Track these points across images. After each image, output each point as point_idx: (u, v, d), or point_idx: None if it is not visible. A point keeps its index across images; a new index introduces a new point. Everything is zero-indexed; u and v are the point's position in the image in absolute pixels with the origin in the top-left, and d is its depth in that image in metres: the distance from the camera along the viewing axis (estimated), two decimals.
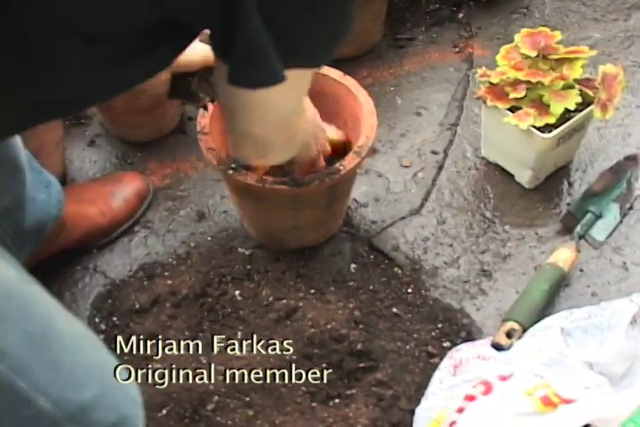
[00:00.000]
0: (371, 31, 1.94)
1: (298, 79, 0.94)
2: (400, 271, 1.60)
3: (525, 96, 1.60)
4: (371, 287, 1.57)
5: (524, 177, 1.71)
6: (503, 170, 1.74)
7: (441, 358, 1.44)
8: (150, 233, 1.65)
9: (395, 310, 1.55)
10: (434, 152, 1.79)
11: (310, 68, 0.94)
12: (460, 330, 1.53)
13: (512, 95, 1.60)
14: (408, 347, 1.49)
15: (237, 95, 0.94)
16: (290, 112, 1.04)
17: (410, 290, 1.58)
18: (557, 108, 1.58)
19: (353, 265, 1.61)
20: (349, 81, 1.54)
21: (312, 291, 1.54)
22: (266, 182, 1.38)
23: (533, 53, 1.62)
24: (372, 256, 1.63)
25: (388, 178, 1.74)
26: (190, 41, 0.91)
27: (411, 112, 1.87)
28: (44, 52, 0.78)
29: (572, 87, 1.61)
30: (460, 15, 2.06)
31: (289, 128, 1.08)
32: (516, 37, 1.65)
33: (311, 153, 1.35)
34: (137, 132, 1.76)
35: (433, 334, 1.52)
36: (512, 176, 1.73)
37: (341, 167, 1.41)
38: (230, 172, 1.38)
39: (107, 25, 0.77)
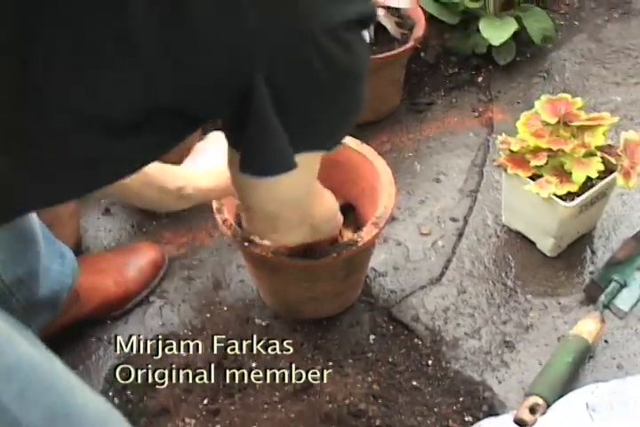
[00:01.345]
0: (389, 96, 1.99)
1: (308, 162, 0.95)
2: (420, 343, 1.62)
3: (547, 164, 1.62)
4: (390, 359, 1.59)
5: (546, 245, 1.73)
6: (524, 238, 1.77)
7: None
8: (165, 303, 1.67)
9: (415, 383, 1.56)
10: (454, 219, 1.82)
11: (321, 151, 0.96)
12: (482, 404, 1.53)
13: (533, 163, 1.62)
14: (429, 422, 1.50)
15: (248, 179, 0.97)
16: (302, 193, 1.06)
17: (430, 362, 1.59)
18: (579, 177, 1.60)
19: (372, 336, 1.63)
20: (366, 149, 1.57)
21: (330, 363, 1.56)
22: (281, 255, 1.40)
23: (554, 120, 1.65)
24: (391, 327, 1.65)
25: (407, 246, 1.77)
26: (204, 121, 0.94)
27: (430, 178, 1.90)
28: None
29: (593, 155, 1.63)
30: (480, 79, 2.10)
31: (303, 208, 1.11)
32: (537, 104, 1.69)
33: (330, 235, 1.38)
34: None
35: (454, 408, 1.53)
36: (534, 244, 1.75)
37: (359, 239, 1.43)
38: (246, 244, 1.41)
39: (108, 110, 0.79)
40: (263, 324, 1.63)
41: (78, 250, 1.71)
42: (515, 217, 1.77)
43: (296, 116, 0.86)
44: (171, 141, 0.87)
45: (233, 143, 0.91)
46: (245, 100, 0.80)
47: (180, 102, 0.79)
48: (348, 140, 1.58)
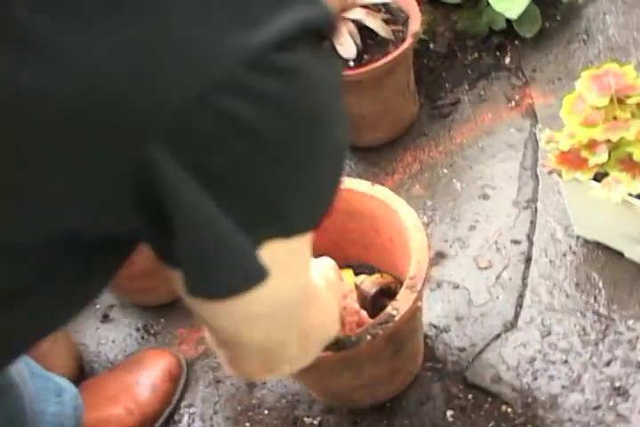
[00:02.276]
0: (402, 107, 1.71)
1: (286, 257, 0.69)
2: (510, 410, 1.34)
3: (610, 158, 1.33)
4: None
5: (636, 252, 1.43)
6: (607, 248, 1.46)
7: None
8: (195, 419, 1.44)
9: None
10: (515, 242, 1.52)
11: (302, 231, 0.69)
12: None
13: (593, 160, 1.33)
14: None
15: (205, 305, 0.70)
16: (290, 302, 0.78)
17: None
18: None
19: (449, 412, 1.35)
20: (381, 191, 1.32)
21: None
22: None
23: (605, 100, 1.35)
24: (469, 395, 1.37)
25: (466, 287, 1.48)
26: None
27: (475, 196, 1.61)
28: None
29: None
30: (507, 60, 1.81)
31: (298, 323, 0.82)
32: (577, 84, 1.39)
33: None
34: (152, 296, 1.55)
35: None
36: (621, 254, 1.45)
37: (394, 312, 1.17)
38: None
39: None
40: (315, 422, 1.37)
41: (81, 374, 1.48)
42: (589, 225, 1.47)
43: (243, 193, 0.62)
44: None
45: (167, 260, 0.67)
46: (153, 188, 0.58)
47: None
48: (359, 184, 1.32)
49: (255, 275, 0.66)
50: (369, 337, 1.16)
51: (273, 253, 0.65)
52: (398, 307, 1.18)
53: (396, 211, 1.29)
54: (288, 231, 0.66)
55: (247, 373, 0.87)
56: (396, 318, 1.17)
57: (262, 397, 1.43)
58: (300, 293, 0.77)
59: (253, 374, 0.88)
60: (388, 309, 1.18)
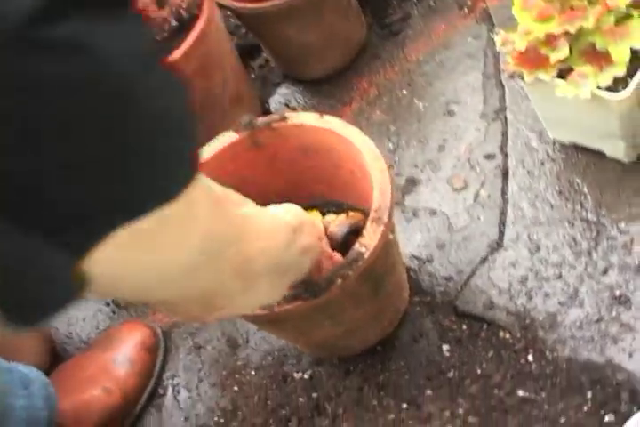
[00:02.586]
0: (348, 29, 1.60)
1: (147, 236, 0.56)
2: (508, 335, 1.25)
3: (571, 52, 1.22)
4: (478, 371, 1.23)
5: (618, 151, 1.32)
6: (587, 150, 1.36)
7: None
8: (180, 389, 1.35)
9: (521, 393, 1.19)
10: (489, 156, 1.42)
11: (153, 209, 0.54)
12: (619, 391, 1.16)
13: (554, 56, 1.22)
14: None
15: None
16: (192, 258, 0.64)
17: (530, 357, 1.22)
18: (620, 52, 1.20)
19: (445, 346, 1.27)
20: (332, 122, 1.21)
21: (404, 405, 1.21)
22: (273, 307, 1.05)
23: None
24: (463, 326, 1.28)
25: (444, 212, 1.39)
26: None
27: (440, 113, 1.50)
28: None
29: (630, 15, 1.22)
30: None
31: (223, 264, 0.72)
32: None
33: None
34: None
35: (585, 409, 1.16)
36: (602, 155, 1.35)
37: (362, 249, 1.07)
38: None
39: None
40: (305, 376, 1.29)
41: (55, 359, 1.39)
42: (563, 128, 1.37)
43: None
44: None
45: None
46: None
47: None
48: (305, 117, 1.21)
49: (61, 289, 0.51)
50: (339, 280, 1.06)
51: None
52: (366, 243, 1.08)
53: (350, 141, 1.18)
54: (136, 213, 0.53)
55: (192, 318, 0.79)
56: (366, 256, 1.07)
57: (247, 357, 1.35)
58: (194, 252, 0.63)
59: (199, 317, 0.79)
60: (356, 246, 1.08)
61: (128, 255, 0.55)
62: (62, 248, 0.48)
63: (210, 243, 0.65)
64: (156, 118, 0.51)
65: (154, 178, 0.52)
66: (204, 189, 0.63)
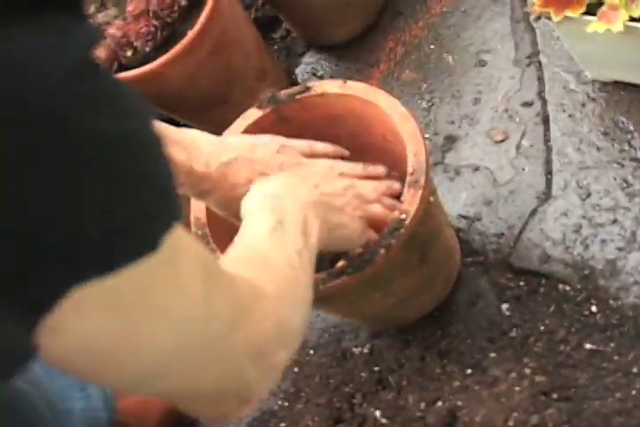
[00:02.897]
0: None
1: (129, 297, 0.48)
2: (568, 288, 1.21)
3: None
4: (542, 328, 1.19)
5: None
6: (628, 86, 1.30)
7: None
8: None
9: (589, 345, 1.16)
10: (527, 104, 1.37)
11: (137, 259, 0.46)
12: None
13: None
14: (634, 392, 1.10)
15: None
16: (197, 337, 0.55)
17: (594, 308, 1.18)
18: None
19: (504, 306, 1.23)
20: (355, 87, 1.16)
21: (468, 371, 1.18)
22: (317, 284, 1.02)
23: None
24: (521, 283, 1.24)
25: (487, 167, 1.34)
26: None
27: (471, 65, 1.45)
28: None
29: None
30: None
31: (243, 343, 0.61)
32: None
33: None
34: None
35: None
36: None
37: (403, 216, 1.03)
38: None
39: None
40: (365, 351, 1.26)
41: None
42: (600, 66, 1.31)
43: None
44: None
45: None
46: None
47: None
48: (328, 85, 1.17)
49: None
50: (382, 250, 1.03)
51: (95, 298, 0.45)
52: (406, 209, 1.05)
53: (376, 104, 1.14)
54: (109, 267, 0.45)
55: (224, 413, 0.66)
56: (407, 222, 1.03)
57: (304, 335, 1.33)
58: (198, 322, 0.54)
59: (230, 414, 0.66)
60: (396, 213, 1.05)
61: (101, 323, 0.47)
62: (20, 307, 0.42)
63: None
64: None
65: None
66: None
